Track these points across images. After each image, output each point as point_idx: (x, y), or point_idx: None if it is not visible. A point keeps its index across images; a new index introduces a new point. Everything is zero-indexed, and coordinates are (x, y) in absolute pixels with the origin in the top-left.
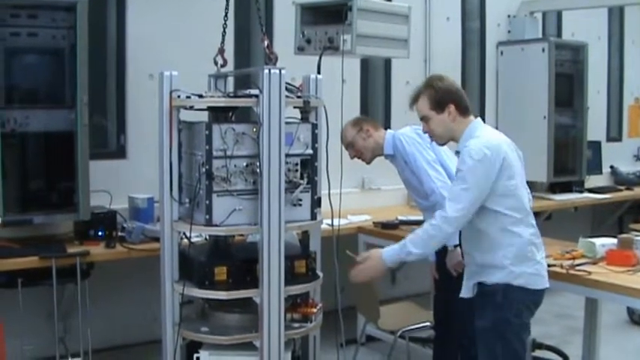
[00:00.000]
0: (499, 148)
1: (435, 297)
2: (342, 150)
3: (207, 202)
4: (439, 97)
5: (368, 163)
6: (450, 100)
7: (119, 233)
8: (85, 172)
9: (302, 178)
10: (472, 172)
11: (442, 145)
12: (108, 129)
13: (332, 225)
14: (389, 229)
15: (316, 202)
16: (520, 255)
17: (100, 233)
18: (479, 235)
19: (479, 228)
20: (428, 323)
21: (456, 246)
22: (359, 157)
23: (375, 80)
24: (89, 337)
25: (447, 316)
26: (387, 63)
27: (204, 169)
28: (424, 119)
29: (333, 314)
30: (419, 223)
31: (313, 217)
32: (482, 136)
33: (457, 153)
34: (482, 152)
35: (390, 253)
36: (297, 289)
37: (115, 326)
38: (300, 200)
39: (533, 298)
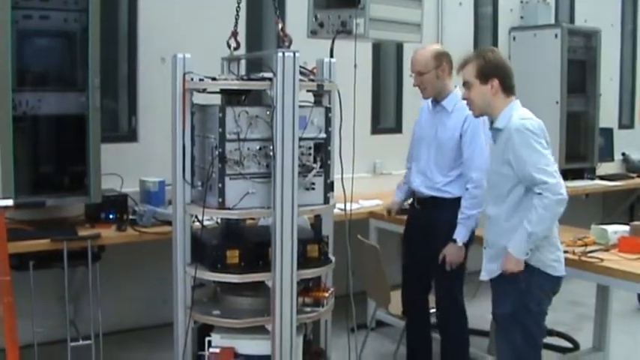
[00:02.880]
0: (544, 129)
1: (417, 277)
2: (355, 134)
3: (220, 185)
4: (486, 68)
5: (425, 97)
6: (495, 74)
7: (130, 216)
8: (97, 155)
9: (315, 161)
10: (540, 144)
11: (476, 116)
12: (119, 112)
13: (344, 209)
14: (400, 215)
15: (329, 186)
16: (547, 240)
17: (111, 216)
18: (513, 215)
19: (517, 208)
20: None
21: (465, 244)
22: (421, 88)
23: (386, 65)
24: (100, 319)
25: (445, 301)
26: (399, 48)
27: (217, 152)
28: (466, 85)
29: (344, 299)
30: None
31: (326, 201)
32: (526, 115)
33: (494, 129)
34: (539, 126)
35: (517, 246)
36: (309, 273)
37: (126, 309)
38: (313, 184)
39: (552, 285)
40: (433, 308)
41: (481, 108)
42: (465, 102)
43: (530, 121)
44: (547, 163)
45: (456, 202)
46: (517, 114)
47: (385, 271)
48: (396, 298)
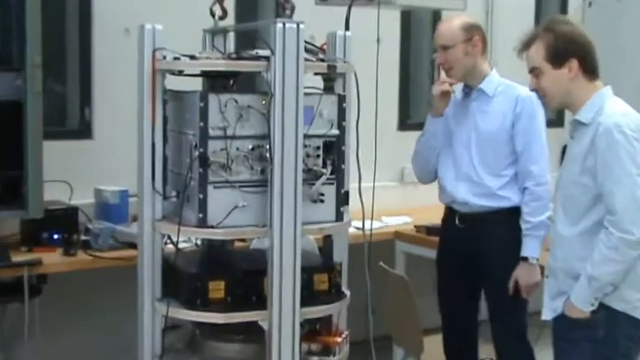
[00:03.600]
0: None
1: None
2: (377, 131)
3: (201, 196)
4: (560, 46)
5: (455, 80)
6: (573, 54)
7: (82, 237)
8: (37, 156)
9: (325, 166)
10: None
11: (553, 109)
12: (68, 99)
13: (363, 228)
14: (435, 235)
15: (343, 198)
16: (631, 273)
17: (55, 236)
18: (593, 238)
19: (593, 231)
20: None
21: (538, 260)
22: (446, 68)
23: (419, 39)
24: None
25: (509, 347)
26: (436, 17)
27: (197, 153)
28: (534, 72)
29: (362, 346)
30: None
31: (339, 217)
32: (622, 109)
33: (575, 122)
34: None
35: (578, 295)
36: (316, 311)
37: (74, 359)
38: (322, 195)
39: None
40: (486, 358)
41: (556, 98)
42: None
43: (628, 119)
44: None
45: (513, 216)
46: (610, 105)
47: (417, 310)
48: (432, 345)
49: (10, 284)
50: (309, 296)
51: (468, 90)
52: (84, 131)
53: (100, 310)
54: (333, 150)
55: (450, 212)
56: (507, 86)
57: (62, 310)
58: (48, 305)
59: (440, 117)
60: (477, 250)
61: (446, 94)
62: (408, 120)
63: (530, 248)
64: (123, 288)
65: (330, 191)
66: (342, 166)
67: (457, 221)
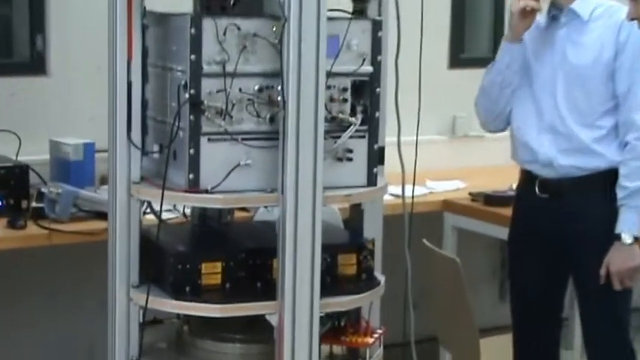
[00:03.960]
0: None
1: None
2: (423, 68)
3: (192, 151)
4: None
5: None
6: None
7: (33, 203)
8: None
9: (354, 113)
10: None
11: None
12: (14, 24)
13: (402, 196)
14: (496, 205)
15: (377, 156)
16: None
17: None
18: None
19: None
20: None
21: (637, 239)
22: None
23: None
24: None
25: (605, 351)
26: None
27: (186, 95)
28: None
29: (399, 349)
30: None
31: (371, 181)
32: None
33: None
34: None
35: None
36: (341, 303)
37: None
38: (350, 152)
39: None
40: None
41: None
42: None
43: None
44: None
45: (614, 182)
46: None
47: (471, 304)
48: (491, 349)
49: None
50: (331, 283)
51: (555, 12)
52: (35, 65)
53: (57, 301)
54: (365, 93)
55: (527, 177)
56: (608, 7)
57: (6, 301)
58: None
59: (518, 43)
60: (564, 228)
61: (530, 13)
62: (461, 55)
63: (625, 222)
64: (88, 271)
65: (360, 147)
66: (377, 114)
67: (538, 189)
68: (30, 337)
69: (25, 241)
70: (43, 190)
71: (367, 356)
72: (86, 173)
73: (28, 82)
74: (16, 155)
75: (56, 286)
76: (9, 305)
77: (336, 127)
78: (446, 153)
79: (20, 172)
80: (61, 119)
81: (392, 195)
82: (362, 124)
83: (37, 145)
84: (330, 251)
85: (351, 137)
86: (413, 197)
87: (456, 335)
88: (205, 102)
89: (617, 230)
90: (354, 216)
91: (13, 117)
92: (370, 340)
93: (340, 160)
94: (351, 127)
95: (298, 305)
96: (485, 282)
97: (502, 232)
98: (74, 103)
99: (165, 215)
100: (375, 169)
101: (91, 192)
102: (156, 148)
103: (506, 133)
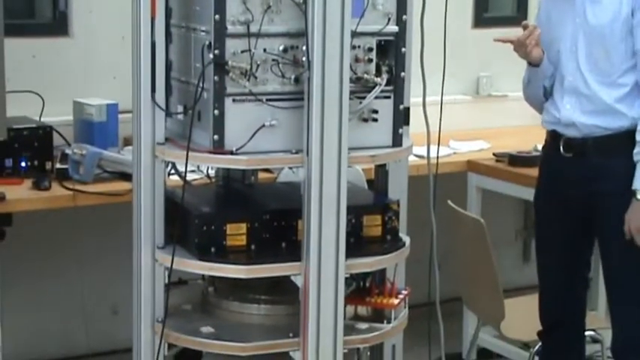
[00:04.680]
0: None
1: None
2: (447, 27)
3: (216, 112)
4: None
5: None
6: None
7: (57, 165)
8: None
9: (379, 73)
10: None
11: None
12: None
13: (427, 156)
14: (521, 166)
15: (402, 117)
16: None
17: (23, 164)
18: None
19: None
20: (592, 332)
21: None
22: None
23: None
24: (0, 343)
25: (629, 314)
26: None
27: (211, 56)
28: None
29: (424, 309)
30: None
31: (396, 141)
32: None
33: None
34: None
35: None
36: (366, 264)
37: (47, 325)
38: (375, 112)
39: None
40: (590, 330)
41: None
42: None
43: None
44: None
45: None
46: None
47: (496, 265)
48: (516, 310)
49: None
50: (356, 244)
51: None
52: (58, 26)
53: (82, 262)
54: (390, 53)
55: (552, 136)
56: None
57: (32, 261)
58: (13, 254)
59: (540, 64)
60: (588, 187)
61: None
62: (485, 13)
63: None
64: (112, 232)
65: (385, 107)
66: (402, 75)
67: (562, 149)
68: (55, 297)
69: (50, 202)
70: (67, 151)
71: (392, 317)
72: (110, 134)
73: (51, 43)
74: (40, 116)
75: (81, 247)
76: (34, 266)
77: (361, 87)
78: (469, 113)
79: (44, 133)
80: (84, 80)
81: (415, 156)
82: (387, 84)
83: (61, 107)
84: (355, 212)
85: (376, 98)
86: (438, 158)
87: (480, 296)
88: (230, 62)
89: (634, 187)
90: (379, 177)
91: (36, 78)
92: (395, 301)
93: (365, 120)
94: (377, 87)
95: (323, 266)
96: (509, 243)
97: (527, 193)
98: (97, 63)
99: (189, 176)
100: (400, 130)
101: (114, 153)
102: (180, 109)
103: None
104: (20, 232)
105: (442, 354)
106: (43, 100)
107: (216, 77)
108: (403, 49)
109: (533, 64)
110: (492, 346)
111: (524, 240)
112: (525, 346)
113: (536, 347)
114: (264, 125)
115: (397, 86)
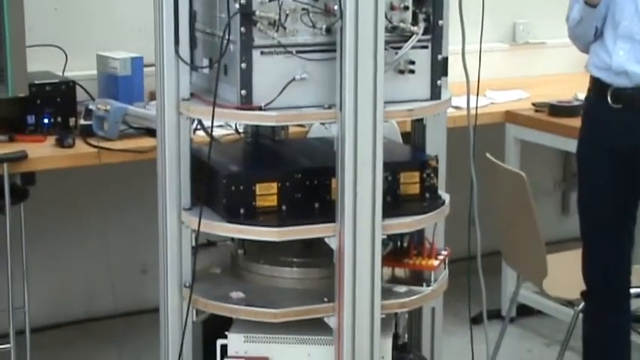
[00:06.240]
0: None
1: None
2: None
3: (244, 65)
4: None
5: None
6: None
7: (81, 121)
8: (18, 12)
9: (416, 22)
10: None
11: None
12: None
13: (467, 108)
14: (562, 116)
15: (440, 68)
16: None
17: (45, 121)
18: None
19: None
20: (637, 289)
21: None
22: None
23: None
24: (26, 305)
25: None
26: None
27: (237, 5)
28: None
29: (460, 265)
30: None
31: (435, 94)
32: None
33: None
34: None
35: None
36: (404, 224)
37: (73, 286)
38: (412, 64)
39: None
40: (636, 287)
41: None
42: None
43: None
44: None
45: None
46: None
47: (538, 221)
48: (559, 266)
49: None
50: (393, 203)
51: None
52: None
53: (108, 221)
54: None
55: (599, 86)
56: None
57: (56, 220)
58: (37, 214)
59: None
60: (637, 141)
61: None
62: None
63: None
64: (139, 190)
65: (423, 58)
66: (440, 23)
67: (610, 99)
68: (80, 258)
69: (74, 160)
70: (91, 106)
71: (432, 279)
72: (135, 88)
73: None
74: (63, 71)
75: (107, 206)
76: (59, 225)
77: (396, 37)
78: (506, 61)
79: (67, 88)
80: (108, 32)
81: (452, 107)
82: (424, 33)
83: (84, 61)
84: (392, 169)
85: (413, 48)
86: (477, 109)
87: (521, 253)
88: (257, 12)
89: None
90: (416, 132)
91: (58, 31)
92: (435, 263)
93: (402, 72)
94: (413, 36)
95: (359, 227)
96: (548, 195)
97: (567, 144)
98: (121, 15)
99: (216, 131)
100: (438, 82)
101: (140, 108)
102: (205, 62)
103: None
104: (44, 191)
105: (484, 311)
106: (65, 54)
107: (242, 28)
108: None
109: (589, 4)
110: (532, 303)
111: (562, 191)
112: (569, 303)
113: (580, 306)
114: (294, 79)
115: (435, 35)
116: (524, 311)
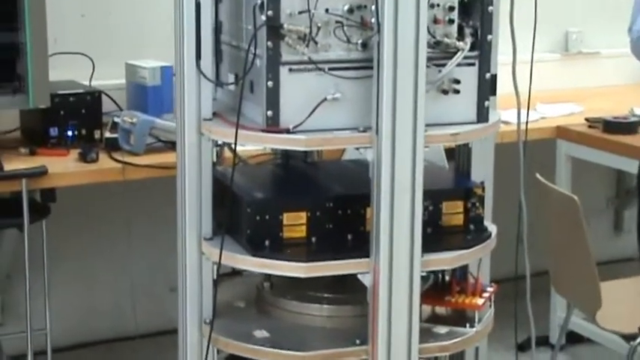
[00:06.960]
0: None
1: None
2: None
3: (270, 83)
4: None
5: None
6: None
7: (106, 134)
8: (40, 19)
9: (462, 37)
10: None
11: None
12: None
13: (518, 125)
14: (617, 132)
15: (488, 87)
16: None
17: (69, 133)
18: None
19: None
20: None
21: None
22: None
23: None
24: (48, 324)
25: None
26: None
27: (263, 17)
28: None
29: (507, 286)
30: None
31: (481, 116)
32: None
33: None
34: None
35: None
36: (445, 259)
37: (97, 305)
38: (457, 83)
39: None
40: None
41: None
42: None
43: None
44: None
45: None
46: None
47: (591, 247)
48: (614, 297)
49: (6, 202)
50: (434, 236)
51: None
52: None
53: (134, 237)
54: (475, 12)
55: None
56: None
57: (79, 237)
58: (59, 230)
59: None
60: None
61: None
62: None
63: None
64: (165, 206)
65: (469, 76)
66: (489, 38)
67: None
68: (104, 276)
69: (96, 176)
70: (117, 119)
71: (476, 319)
72: (164, 99)
73: (101, 1)
74: (90, 80)
75: (133, 223)
76: (82, 243)
77: (440, 53)
78: (558, 72)
79: (92, 98)
80: (137, 40)
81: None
82: (471, 49)
83: (112, 69)
84: (433, 198)
85: (458, 65)
86: (527, 126)
87: (572, 280)
88: (285, 25)
89: None
90: (461, 156)
91: (85, 39)
92: (480, 302)
93: (445, 92)
94: (459, 53)
95: (396, 262)
96: (600, 213)
97: (623, 163)
98: (150, 22)
99: (245, 148)
100: (486, 102)
101: (169, 120)
102: (231, 78)
103: (625, 49)
104: (66, 207)
105: (532, 338)
106: (93, 62)
107: (269, 42)
108: (490, 8)
109: None
110: (583, 330)
111: (615, 209)
112: (625, 338)
113: (638, 340)
114: (325, 99)
115: (483, 51)
116: (574, 338)
